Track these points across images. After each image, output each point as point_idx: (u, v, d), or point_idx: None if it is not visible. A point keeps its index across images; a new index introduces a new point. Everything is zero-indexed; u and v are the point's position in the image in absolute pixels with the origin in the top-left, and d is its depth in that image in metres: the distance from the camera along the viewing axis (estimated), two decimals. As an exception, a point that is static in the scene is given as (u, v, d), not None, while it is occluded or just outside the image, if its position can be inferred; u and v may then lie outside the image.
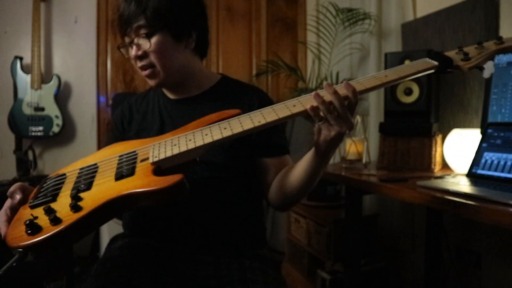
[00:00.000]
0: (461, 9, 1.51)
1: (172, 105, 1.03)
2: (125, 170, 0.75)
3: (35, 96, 2.17)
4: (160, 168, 0.75)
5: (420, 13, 1.77)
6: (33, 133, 2.16)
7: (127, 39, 0.95)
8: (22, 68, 2.16)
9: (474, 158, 1.15)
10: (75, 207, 0.66)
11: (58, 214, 0.65)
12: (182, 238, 0.93)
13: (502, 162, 1.07)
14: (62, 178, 0.79)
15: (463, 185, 1.03)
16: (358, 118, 1.77)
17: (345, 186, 1.67)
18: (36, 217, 0.65)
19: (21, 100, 2.15)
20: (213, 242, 0.95)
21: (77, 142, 2.36)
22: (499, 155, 1.10)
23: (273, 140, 0.98)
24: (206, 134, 0.77)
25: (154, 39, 0.92)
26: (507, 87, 1.19)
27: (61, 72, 2.29)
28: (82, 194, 0.70)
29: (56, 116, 2.21)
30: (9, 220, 0.72)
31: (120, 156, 0.82)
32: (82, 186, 0.73)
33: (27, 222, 0.63)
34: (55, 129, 2.21)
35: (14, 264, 0.66)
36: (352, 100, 0.71)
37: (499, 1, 1.41)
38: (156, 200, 0.69)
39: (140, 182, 0.71)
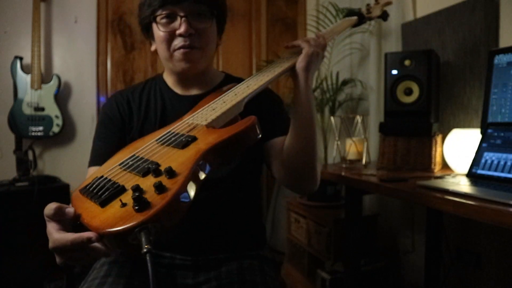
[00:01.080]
0: (461, 9, 1.51)
1: (179, 100, 0.99)
2: (183, 138, 0.73)
3: (35, 96, 2.17)
4: (213, 127, 0.76)
5: (420, 13, 1.77)
6: (33, 133, 2.16)
7: (180, 12, 0.88)
8: (22, 68, 2.16)
9: (474, 158, 1.15)
10: (169, 173, 0.62)
11: (152, 185, 0.59)
12: (183, 239, 0.93)
13: (502, 162, 1.07)
14: (103, 178, 0.69)
15: (463, 185, 1.03)
16: (358, 118, 1.77)
17: (345, 186, 1.67)
18: (125, 204, 0.59)
19: (21, 100, 2.15)
20: (213, 243, 0.95)
21: (77, 142, 2.36)
22: (499, 155, 1.10)
23: (283, 119, 1.01)
24: (236, 94, 0.84)
25: (212, 21, 0.92)
26: (507, 87, 1.19)
27: (61, 72, 2.29)
28: (160, 168, 0.65)
29: (56, 116, 2.21)
30: (64, 228, 0.63)
31: (157, 140, 0.78)
32: (149, 165, 0.66)
33: (135, 196, 0.56)
34: (55, 129, 2.21)
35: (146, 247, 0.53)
36: (322, 42, 0.93)
37: (499, 1, 1.41)
38: (235, 146, 0.71)
39: (214, 136, 0.71)
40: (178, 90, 1.01)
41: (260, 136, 0.74)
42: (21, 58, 2.17)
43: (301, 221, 1.97)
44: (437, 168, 1.41)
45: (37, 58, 2.16)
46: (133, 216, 0.55)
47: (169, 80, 1.02)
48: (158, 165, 0.66)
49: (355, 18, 1.18)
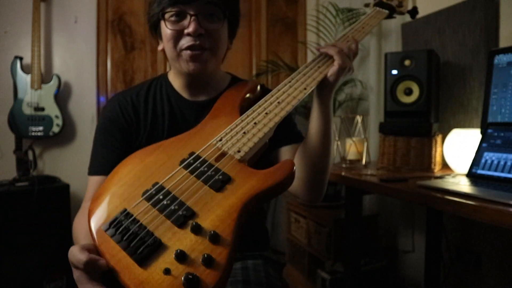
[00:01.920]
0: (461, 9, 1.51)
1: (188, 107, 0.95)
2: (218, 177, 0.66)
3: (35, 96, 2.17)
4: (246, 161, 0.70)
5: (420, 13, 1.77)
6: (33, 133, 2.16)
7: (190, 11, 0.83)
8: (22, 68, 2.16)
9: (474, 158, 1.15)
10: (213, 238, 0.57)
11: (199, 256, 0.55)
12: None
13: (502, 162, 1.07)
14: (131, 218, 0.62)
15: (463, 185, 1.03)
16: (358, 118, 1.77)
17: (345, 186, 1.67)
18: (168, 270, 0.54)
19: (21, 100, 2.15)
20: None
21: (77, 142, 2.36)
22: (499, 155, 1.10)
23: (292, 127, 0.99)
24: (267, 113, 0.77)
25: (223, 22, 0.88)
26: (507, 87, 1.19)
27: (61, 72, 2.29)
28: (198, 221, 0.60)
29: (56, 116, 2.21)
30: (93, 277, 0.59)
31: (184, 165, 0.69)
32: (185, 212, 0.61)
33: (187, 276, 0.52)
34: (55, 129, 2.21)
35: None
36: (354, 50, 0.87)
37: (499, 1, 1.41)
38: (273, 194, 0.67)
39: (252, 182, 0.65)
40: (185, 94, 0.96)
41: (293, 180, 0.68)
42: (21, 58, 2.17)
43: (301, 221, 1.97)
44: (437, 168, 1.41)
45: (37, 58, 2.16)
46: None
47: (176, 82, 0.97)
48: (194, 214, 0.61)
49: (386, 12, 1.10)
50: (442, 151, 1.42)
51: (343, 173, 1.44)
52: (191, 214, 0.61)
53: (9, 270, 1.89)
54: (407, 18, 1.81)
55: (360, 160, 1.70)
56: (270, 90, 0.85)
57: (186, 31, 0.84)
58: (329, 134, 0.87)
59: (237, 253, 0.58)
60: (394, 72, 1.46)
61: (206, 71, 0.89)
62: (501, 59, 1.21)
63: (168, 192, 0.65)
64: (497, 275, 1.40)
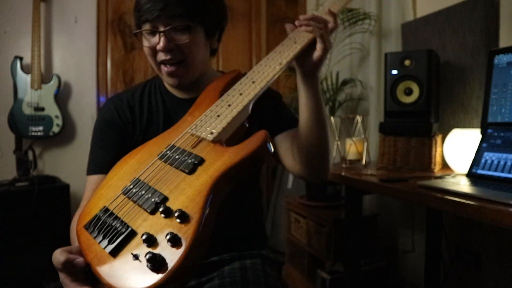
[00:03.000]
0: (461, 9, 1.51)
1: (180, 105, 0.96)
2: (189, 160, 0.66)
3: (35, 96, 2.17)
4: (220, 142, 0.69)
5: (420, 13, 1.77)
6: (33, 133, 2.16)
7: (160, 27, 0.84)
8: (22, 68, 2.16)
9: (474, 158, 1.15)
10: (181, 217, 0.56)
11: (165, 236, 0.54)
12: None
13: (502, 162, 1.07)
14: (109, 212, 0.64)
15: (463, 185, 1.03)
16: (358, 118, 1.77)
17: (345, 186, 1.67)
18: (137, 255, 0.55)
19: (21, 100, 2.15)
20: (215, 242, 0.95)
21: (77, 142, 2.36)
22: (499, 155, 1.10)
23: (284, 114, 1.01)
24: (241, 93, 0.77)
25: (192, 33, 0.86)
26: (507, 87, 1.19)
27: (61, 72, 2.29)
28: (168, 204, 0.60)
29: (56, 116, 2.21)
30: (77, 276, 0.60)
31: (161, 157, 0.71)
32: (156, 199, 0.61)
33: (148, 256, 0.52)
34: (55, 129, 2.21)
35: None
36: (333, 26, 0.85)
37: (499, 1, 1.41)
38: (248, 168, 0.65)
39: (223, 158, 0.64)
40: (176, 93, 0.99)
41: (272, 152, 0.68)
42: (21, 58, 2.17)
43: (301, 221, 1.97)
44: (437, 168, 1.41)
45: (37, 58, 2.16)
46: (147, 277, 0.52)
47: (167, 86, 1.00)
48: (165, 199, 0.61)
49: None
50: (442, 151, 1.42)
51: (343, 173, 1.44)
52: (163, 199, 0.61)
53: (9, 270, 1.89)
54: (407, 18, 1.82)
55: (360, 160, 1.70)
56: None
57: (157, 47, 0.86)
58: (324, 119, 0.88)
59: (210, 232, 0.58)
60: (394, 72, 1.46)
61: (185, 82, 0.91)
62: (501, 59, 1.21)
63: (143, 183, 0.66)
64: (497, 275, 1.40)
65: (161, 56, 0.87)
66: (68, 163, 2.32)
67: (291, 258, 2.11)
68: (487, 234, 1.43)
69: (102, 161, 0.92)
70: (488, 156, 1.12)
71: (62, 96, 2.31)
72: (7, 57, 2.18)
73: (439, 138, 1.45)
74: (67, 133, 2.32)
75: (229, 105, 0.75)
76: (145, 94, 1.00)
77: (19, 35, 2.25)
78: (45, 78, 2.24)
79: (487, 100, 1.23)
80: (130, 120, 0.96)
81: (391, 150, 1.48)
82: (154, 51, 0.87)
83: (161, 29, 0.84)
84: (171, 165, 0.67)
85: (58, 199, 2.04)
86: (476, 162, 1.14)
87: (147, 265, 0.52)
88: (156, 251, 0.53)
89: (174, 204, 0.60)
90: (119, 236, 0.58)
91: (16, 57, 2.16)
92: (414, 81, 1.43)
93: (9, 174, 2.12)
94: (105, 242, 0.59)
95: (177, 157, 0.68)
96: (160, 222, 0.58)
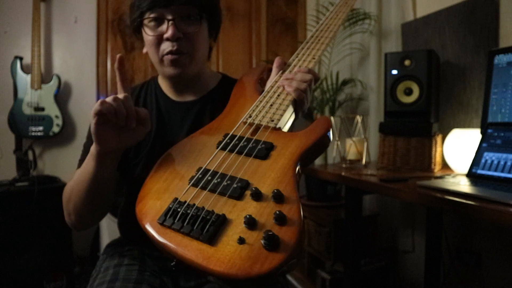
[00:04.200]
0: (461, 9, 1.51)
1: (174, 107, 0.96)
2: (259, 147, 0.67)
3: (35, 96, 2.17)
4: (281, 129, 0.72)
5: (420, 13, 1.77)
6: (33, 133, 2.16)
7: (167, 15, 0.84)
8: (22, 68, 2.16)
9: (474, 158, 1.15)
10: (277, 198, 0.56)
11: (269, 217, 0.54)
12: None
13: (502, 162, 1.07)
14: (185, 204, 0.60)
15: (463, 185, 1.03)
16: (358, 118, 1.77)
17: (345, 186, 1.67)
18: (242, 239, 0.52)
19: (21, 100, 2.15)
20: None
21: (77, 142, 2.36)
22: (499, 155, 1.10)
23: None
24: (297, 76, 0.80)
25: (201, 24, 0.88)
26: (507, 87, 1.19)
27: (61, 72, 2.29)
28: (256, 187, 0.58)
29: (56, 116, 2.21)
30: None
31: (222, 147, 0.69)
32: (239, 184, 0.60)
33: (265, 236, 0.50)
34: (55, 129, 2.21)
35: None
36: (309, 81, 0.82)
37: (499, 1, 1.41)
38: (317, 151, 0.69)
39: (295, 142, 0.67)
40: (172, 95, 0.98)
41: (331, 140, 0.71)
42: (21, 58, 2.17)
43: (301, 221, 1.97)
44: (437, 168, 1.41)
45: (37, 58, 2.16)
46: (269, 257, 0.50)
47: (163, 84, 0.99)
48: (248, 183, 0.60)
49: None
50: (442, 151, 1.42)
51: (343, 173, 1.44)
52: (246, 184, 0.60)
53: (9, 270, 1.89)
54: (407, 18, 1.82)
55: (360, 160, 1.70)
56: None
57: (165, 36, 0.85)
58: None
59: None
60: (394, 72, 1.46)
61: (187, 74, 0.90)
62: (501, 59, 1.21)
63: (215, 172, 0.64)
64: (497, 275, 1.40)
65: (167, 46, 0.86)
66: (68, 163, 2.31)
67: (291, 258, 2.11)
68: (487, 234, 1.43)
69: None
70: (488, 156, 1.12)
71: (62, 96, 2.31)
72: (7, 57, 2.19)
73: (439, 138, 1.45)
74: (67, 133, 2.32)
75: (278, 95, 0.78)
76: (141, 95, 1.00)
77: (19, 35, 2.25)
78: (45, 78, 2.24)
79: (487, 100, 1.23)
80: None
81: (391, 150, 1.48)
82: (159, 40, 0.86)
83: (170, 17, 0.84)
84: (240, 154, 0.67)
85: (58, 199, 2.01)
86: (476, 162, 1.14)
87: (264, 246, 0.50)
88: (268, 231, 0.51)
89: (262, 187, 0.59)
90: (212, 223, 0.55)
91: (16, 57, 2.16)
92: (414, 81, 1.43)
93: (9, 174, 2.12)
94: (197, 231, 0.54)
95: (242, 144, 0.68)
96: (254, 206, 0.57)
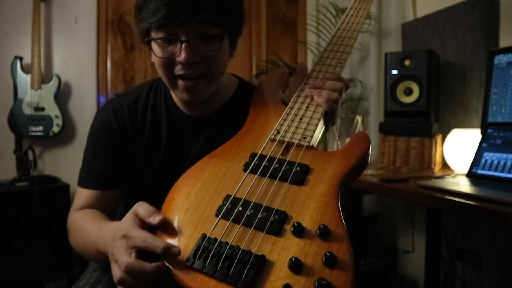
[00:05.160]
0: (461, 9, 1.51)
1: (188, 122, 0.84)
2: (294, 170, 0.59)
3: (35, 96, 2.16)
4: (314, 147, 0.65)
5: (420, 13, 1.77)
6: (33, 133, 2.16)
7: (181, 35, 0.68)
8: (22, 68, 2.16)
9: (474, 158, 1.15)
10: (323, 234, 0.50)
11: (317, 258, 0.47)
12: None
13: (502, 162, 1.07)
14: (217, 242, 0.52)
15: (463, 185, 1.03)
16: (358, 118, 1.77)
17: (345, 186, 1.67)
18: (288, 286, 0.46)
19: (21, 100, 2.14)
20: None
21: (77, 142, 2.36)
22: (499, 155, 1.10)
23: None
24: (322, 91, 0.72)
25: (222, 44, 0.73)
26: (507, 87, 1.19)
27: (61, 72, 2.29)
28: (296, 221, 0.52)
29: (56, 116, 2.21)
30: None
31: (251, 170, 0.61)
32: (276, 217, 0.53)
33: (318, 284, 0.44)
34: (55, 129, 2.21)
35: None
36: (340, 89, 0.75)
37: (499, 1, 1.41)
38: (358, 171, 0.62)
39: (334, 164, 0.59)
40: (184, 107, 0.84)
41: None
42: (21, 58, 2.17)
43: (301, 221, 1.97)
44: (437, 168, 1.41)
45: (37, 58, 2.16)
46: None
47: (174, 93, 0.85)
48: (287, 215, 0.53)
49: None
50: (442, 151, 1.42)
51: (343, 173, 1.44)
52: (284, 216, 0.53)
53: (9, 270, 1.89)
54: (407, 18, 1.82)
55: (360, 160, 1.70)
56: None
57: (177, 59, 0.70)
58: None
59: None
60: (394, 72, 1.46)
61: (203, 97, 0.77)
62: (501, 59, 1.21)
63: (247, 202, 0.56)
64: (497, 275, 1.40)
65: (180, 70, 0.71)
66: (68, 163, 2.31)
67: (291, 258, 2.11)
68: (487, 234, 1.43)
69: (97, 176, 0.81)
70: (488, 156, 1.12)
71: (62, 96, 2.31)
72: (7, 57, 2.18)
73: (439, 138, 1.45)
74: (67, 133, 2.32)
75: (307, 107, 0.70)
76: (149, 103, 0.85)
77: (19, 35, 2.25)
78: (45, 78, 2.24)
79: (487, 100, 1.23)
80: (130, 133, 0.83)
81: (391, 150, 1.48)
82: (170, 62, 0.72)
83: (183, 38, 0.69)
84: (273, 178, 0.59)
85: (58, 199, 2.03)
86: (476, 162, 1.14)
87: None
88: (321, 279, 0.45)
89: (303, 220, 0.52)
90: (250, 267, 0.47)
91: (16, 57, 2.16)
92: (414, 81, 1.43)
93: (9, 174, 2.12)
94: (233, 278, 0.47)
95: (275, 167, 0.60)
96: (297, 244, 0.49)
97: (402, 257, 1.87)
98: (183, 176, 0.64)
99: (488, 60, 1.25)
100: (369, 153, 0.63)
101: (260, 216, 0.53)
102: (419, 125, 1.43)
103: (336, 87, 0.72)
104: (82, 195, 0.82)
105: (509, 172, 1.04)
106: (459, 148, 1.29)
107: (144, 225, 0.57)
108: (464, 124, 1.52)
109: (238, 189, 0.58)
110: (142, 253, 0.53)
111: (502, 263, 1.38)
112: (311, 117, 0.68)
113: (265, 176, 0.60)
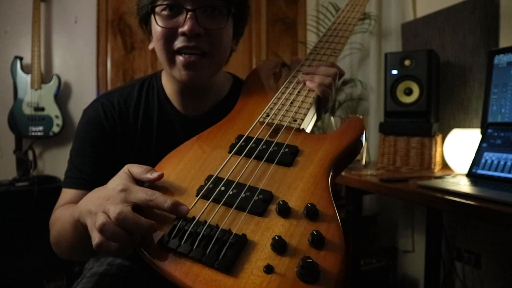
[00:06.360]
0: (461, 9, 1.51)
1: (180, 121, 0.81)
2: (283, 151, 0.57)
3: (35, 96, 2.16)
4: (304, 130, 0.63)
5: (420, 13, 1.77)
6: (33, 133, 2.16)
7: (187, 4, 0.67)
8: (22, 68, 2.16)
9: (474, 158, 1.15)
10: (310, 214, 0.46)
11: (303, 239, 0.44)
12: None
13: (502, 162, 1.07)
14: (194, 221, 0.49)
15: (463, 185, 1.03)
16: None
17: (345, 186, 1.67)
18: (270, 267, 0.42)
19: (21, 100, 2.14)
20: None
21: (77, 142, 2.36)
22: (499, 155, 1.10)
23: None
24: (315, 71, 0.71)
25: (228, 20, 0.71)
26: (507, 87, 1.19)
27: (61, 72, 2.29)
28: (282, 201, 0.48)
29: (56, 116, 2.21)
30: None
31: (235, 151, 0.59)
32: (260, 197, 0.50)
33: (303, 264, 0.40)
34: (55, 129, 2.21)
35: None
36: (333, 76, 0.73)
37: (499, 1, 1.41)
38: (350, 156, 0.59)
39: (326, 146, 0.57)
40: (178, 104, 0.81)
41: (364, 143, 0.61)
42: (21, 58, 2.17)
43: (301, 221, 1.97)
44: (437, 168, 1.41)
45: (37, 58, 2.16)
46: None
47: (168, 87, 0.82)
48: (272, 195, 0.50)
49: None
50: (442, 151, 1.42)
51: (343, 173, 1.44)
52: (269, 196, 0.50)
53: (9, 270, 1.89)
54: (407, 18, 1.82)
55: (360, 160, 1.70)
56: (288, 65, 0.80)
57: (180, 29, 0.68)
58: None
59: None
60: (394, 72, 1.46)
61: (202, 80, 0.74)
62: (501, 59, 1.21)
63: (230, 182, 0.53)
64: (497, 275, 1.40)
65: (181, 42, 0.69)
66: (68, 163, 2.32)
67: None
68: (487, 234, 1.43)
69: (85, 175, 0.76)
70: (488, 156, 1.12)
71: (62, 96, 2.31)
72: (7, 57, 2.18)
73: (439, 138, 1.45)
74: (67, 133, 2.31)
75: (299, 92, 0.69)
76: (141, 101, 0.81)
77: (19, 35, 2.25)
78: (45, 78, 2.24)
79: (487, 100, 1.23)
80: (120, 132, 0.79)
81: (391, 150, 1.48)
82: (172, 34, 0.69)
83: (190, 6, 0.67)
84: (260, 159, 0.56)
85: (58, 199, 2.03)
86: (476, 162, 1.14)
87: (299, 277, 0.40)
88: (306, 258, 0.41)
89: (290, 200, 0.49)
90: (230, 246, 0.44)
91: (16, 57, 2.16)
92: (414, 81, 1.43)
93: (9, 174, 2.12)
94: (211, 256, 0.43)
95: (261, 148, 0.58)
96: (282, 224, 0.46)
97: (402, 257, 1.87)
98: (166, 157, 0.62)
99: (488, 60, 1.25)
100: (362, 138, 0.60)
101: (244, 195, 0.50)
102: (419, 125, 1.43)
103: (329, 72, 0.71)
104: (67, 195, 0.76)
105: (509, 172, 1.04)
106: (459, 148, 1.29)
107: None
108: (464, 124, 1.52)
109: (221, 170, 0.56)
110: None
111: (502, 263, 1.38)
112: (302, 101, 0.67)
113: (251, 157, 0.57)
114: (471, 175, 1.13)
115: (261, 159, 0.56)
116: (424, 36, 1.68)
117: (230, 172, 0.55)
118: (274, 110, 0.66)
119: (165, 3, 0.68)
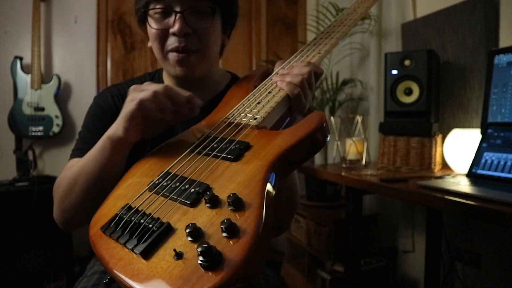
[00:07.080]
0: (461, 9, 1.51)
1: None
2: (232, 146, 0.58)
3: (35, 96, 2.16)
4: (265, 128, 0.63)
5: (420, 13, 1.77)
6: (33, 133, 2.16)
7: (176, 6, 0.74)
8: (22, 68, 2.16)
9: (474, 158, 1.15)
10: (235, 204, 0.46)
11: (217, 226, 0.45)
12: None
13: (502, 162, 1.07)
14: (133, 210, 0.53)
15: (463, 185, 1.03)
16: (358, 118, 1.77)
17: (345, 186, 1.67)
18: (180, 254, 0.43)
19: (21, 100, 2.14)
20: None
21: (77, 142, 2.36)
22: (499, 155, 1.10)
23: None
24: (289, 75, 0.69)
25: (214, 18, 0.77)
26: (507, 87, 1.19)
27: (61, 72, 2.29)
28: (215, 193, 0.50)
29: (56, 116, 2.21)
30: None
31: (193, 149, 0.62)
32: (197, 189, 0.51)
33: (201, 249, 0.40)
34: (55, 129, 2.21)
35: None
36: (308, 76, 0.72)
37: (499, 1, 1.41)
38: (304, 153, 0.58)
39: (277, 141, 0.56)
40: None
41: (328, 139, 0.60)
42: (21, 58, 2.17)
43: (301, 221, 1.97)
44: (437, 168, 1.41)
45: (37, 58, 2.16)
46: (202, 278, 0.40)
47: (167, 81, 0.89)
48: (209, 188, 0.51)
49: None
50: (442, 151, 1.42)
51: (343, 173, 1.44)
52: (205, 188, 0.51)
53: (9, 270, 1.89)
54: (407, 18, 1.82)
55: (360, 160, 1.70)
56: None
57: (171, 30, 0.76)
58: (293, 181, 0.79)
59: (270, 223, 0.47)
60: (394, 72, 1.46)
61: (195, 74, 0.81)
62: (501, 59, 1.21)
63: (175, 175, 0.57)
64: (497, 275, 1.40)
65: (173, 42, 0.77)
66: (68, 163, 2.32)
67: (291, 258, 2.11)
68: (487, 234, 1.43)
69: (90, 146, 0.76)
70: (488, 156, 1.12)
71: (62, 96, 2.31)
72: (7, 57, 2.18)
73: (439, 138, 1.45)
74: (67, 133, 2.32)
75: (269, 92, 0.69)
76: None
77: (19, 35, 2.25)
78: (45, 78, 2.24)
79: (487, 100, 1.23)
80: None
81: (391, 150, 1.48)
82: (164, 34, 0.77)
83: (178, 9, 0.75)
84: (209, 155, 0.59)
85: (58, 199, 2.03)
86: (476, 162, 1.14)
87: (199, 263, 0.41)
88: (203, 243, 0.41)
89: (221, 192, 0.50)
90: (152, 233, 0.46)
91: (16, 57, 2.16)
92: (414, 81, 1.43)
93: (9, 174, 2.12)
94: (133, 242, 0.47)
95: (215, 145, 0.60)
96: (207, 213, 0.47)
97: (402, 257, 1.87)
98: (144, 156, 0.67)
99: (488, 60, 1.25)
100: (321, 131, 0.57)
101: (182, 188, 0.53)
102: (419, 125, 1.43)
103: (302, 71, 0.70)
104: (72, 163, 0.79)
105: (509, 172, 1.04)
106: (459, 148, 1.29)
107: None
108: (464, 124, 1.52)
109: (172, 165, 0.60)
110: None
111: (502, 263, 1.38)
112: (268, 100, 0.67)
113: (202, 154, 0.60)
114: (471, 175, 1.13)
115: (210, 155, 0.59)
116: (424, 36, 1.68)
117: (178, 167, 0.59)
118: (240, 110, 0.69)
119: (156, 7, 0.77)
